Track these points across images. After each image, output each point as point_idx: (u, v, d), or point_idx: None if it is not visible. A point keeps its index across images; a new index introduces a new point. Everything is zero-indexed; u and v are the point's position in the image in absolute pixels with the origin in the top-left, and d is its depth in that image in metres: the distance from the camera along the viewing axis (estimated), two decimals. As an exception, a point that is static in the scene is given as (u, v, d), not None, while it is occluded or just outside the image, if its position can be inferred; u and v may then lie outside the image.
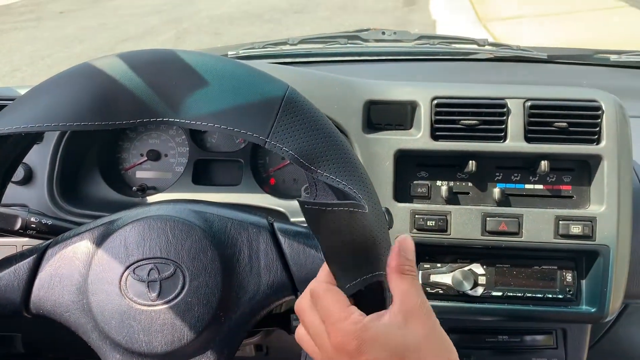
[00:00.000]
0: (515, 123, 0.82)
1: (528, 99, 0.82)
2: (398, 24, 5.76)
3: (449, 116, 0.82)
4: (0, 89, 0.95)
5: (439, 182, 0.85)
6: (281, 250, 0.62)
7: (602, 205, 0.80)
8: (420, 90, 0.84)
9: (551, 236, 0.81)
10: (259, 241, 0.62)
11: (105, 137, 1.01)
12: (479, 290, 0.84)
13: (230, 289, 0.60)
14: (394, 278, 0.49)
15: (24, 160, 0.79)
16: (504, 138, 0.82)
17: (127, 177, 1.04)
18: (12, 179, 0.64)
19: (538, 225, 0.81)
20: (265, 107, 0.49)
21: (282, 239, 0.62)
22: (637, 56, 1.38)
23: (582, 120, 0.81)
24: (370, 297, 0.50)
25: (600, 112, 0.81)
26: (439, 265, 0.85)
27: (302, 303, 0.52)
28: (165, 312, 0.58)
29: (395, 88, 0.85)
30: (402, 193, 0.84)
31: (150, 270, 0.59)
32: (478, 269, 0.84)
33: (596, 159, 0.81)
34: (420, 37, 1.48)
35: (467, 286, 0.82)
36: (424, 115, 0.83)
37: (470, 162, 0.82)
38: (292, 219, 0.88)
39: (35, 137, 0.61)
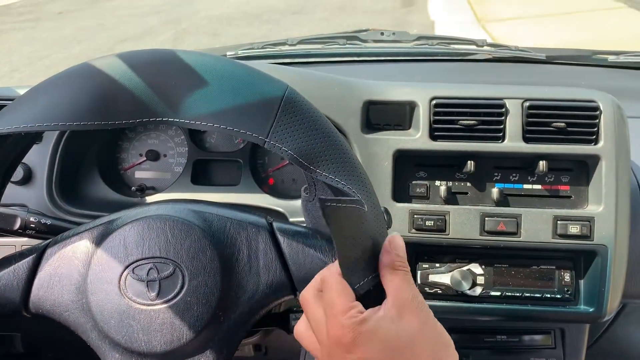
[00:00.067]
0: (513, 123, 0.82)
1: (526, 99, 0.82)
2: (396, 25, 5.77)
3: (447, 116, 0.83)
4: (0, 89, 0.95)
5: (437, 182, 0.85)
6: (280, 250, 0.62)
7: (600, 205, 0.81)
8: (419, 90, 0.84)
9: (549, 236, 0.81)
10: (258, 241, 0.62)
11: (105, 137, 1.02)
12: (478, 290, 0.84)
13: (229, 289, 0.60)
14: (386, 274, 0.49)
15: (23, 160, 0.79)
16: (503, 138, 0.82)
17: (126, 177, 1.04)
18: (12, 179, 0.64)
19: (536, 225, 0.81)
20: (264, 107, 0.49)
21: (281, 238, 0.62)
22: (635, 57, 1.38)
23: (580, 121, 0.81)
24: (373, 295, 0.50)
25: (598, 112, 0.81)
26: (437, 265, 0.85)
27: (307, 294, 0.52)
28: (164, 311, 0.58)
29: (394, 88, 0.86)
30: (400, 193, 0.84)
31: (149, 269, 0.59)
32: (476, 268, 0.84)
33: (594, 159, 0.82)
34: (419, 38, 1.49)
35: (465, 286, 0.83)
36: (422, 116, 0.83)
37: (469, 162, 0.82)
38: (291, 219, 0.89)
39: (34, 137, 0.61)
